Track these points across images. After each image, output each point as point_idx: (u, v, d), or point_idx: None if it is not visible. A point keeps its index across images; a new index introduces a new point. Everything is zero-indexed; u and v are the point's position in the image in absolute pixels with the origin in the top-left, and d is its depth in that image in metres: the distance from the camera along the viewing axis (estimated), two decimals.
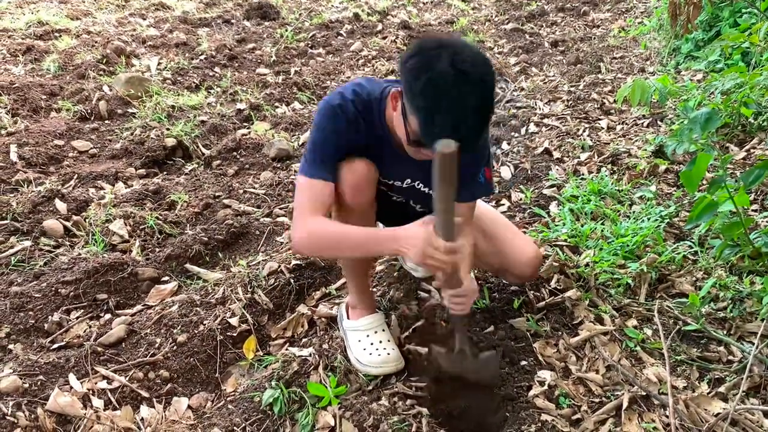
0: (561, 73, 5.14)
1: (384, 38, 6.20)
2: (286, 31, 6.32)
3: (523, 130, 4.04)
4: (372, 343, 2.13)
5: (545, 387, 1.99)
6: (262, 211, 3.16)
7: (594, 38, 6.19)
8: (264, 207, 3.20)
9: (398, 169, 1.95)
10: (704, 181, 2.99)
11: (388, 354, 2.10)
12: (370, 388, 2.02)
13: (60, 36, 5.89)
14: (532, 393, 1.97)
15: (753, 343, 2.11)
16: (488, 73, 1.57)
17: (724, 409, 1.86)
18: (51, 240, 2.86)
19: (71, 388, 2.03)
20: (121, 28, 6.42)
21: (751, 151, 3.34)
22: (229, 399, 2.05)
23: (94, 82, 4.82)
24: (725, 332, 2.19)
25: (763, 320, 2.18)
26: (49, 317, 2.36)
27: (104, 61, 5.22)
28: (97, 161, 3.76)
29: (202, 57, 5.55)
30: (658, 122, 3.94)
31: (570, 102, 4.44)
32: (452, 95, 1.51)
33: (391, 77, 1.65)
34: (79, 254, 2.72)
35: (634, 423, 1.84)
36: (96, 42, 5.74)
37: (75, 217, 3.01)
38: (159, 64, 5.34)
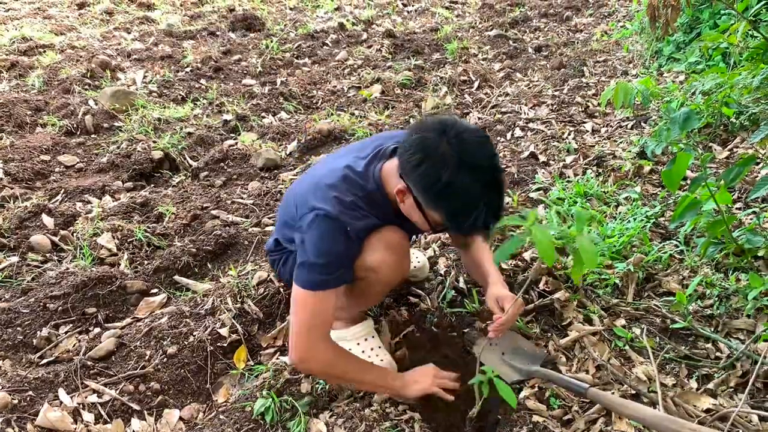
0: (545, 78, 5.18)
1: (369, 47, 6.22)
2: (272, 42, 6.33)
3: (508, 135, 4.06)
4: (363, 351, 2.14)
5: (536, 388, 2.00)
6: (251, 221, 3.16)
7: (577, 43, 6.24)
8: (252, 217, 3.20)
9: (409, 225, 1.93)
10: (687, 180, 3.03)
11: (381, 360, 2.12)
12: (362, 394, 2.03)
13: (44, 51, 5.87)
14: (523, 395, 1.99)
15: (740, 340, 2.13)
16: (494, 154, 1.63)
17: (713, 404, 1.88)
18: (38, 255, 2.85)
19: (61, 402, 2.02)
20: (105, 42, 6.40)
21: (734, 150, 3.38)
22: (220, 409, 2.04)
23: (80, 96, 4.80)
24: (712, 329, 2.22)
25: (749, 316, 2.20)
26: (38, 332, 2.35)
27: (89, 76, 5.20)
28: (83, 175, 3.75)
29: (187, 69, 5.55)
30: (642, 124, 3.98)
31: (554, 106, 4.47)
32: (470, 193, 1.57)
33: (355, 145, 1.66)
34: (67, 268, 2.71)
35: (624, 422, 1.85)
36: (81, 56, 5.72)
37: (62, 232, 3.00)
38: (144, 77, 5.33)
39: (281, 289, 2.49)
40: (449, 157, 1.56)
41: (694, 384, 1.99)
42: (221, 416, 2.00)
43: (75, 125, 4.33)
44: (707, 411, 1.85)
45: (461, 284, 2.51)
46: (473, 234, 1.76)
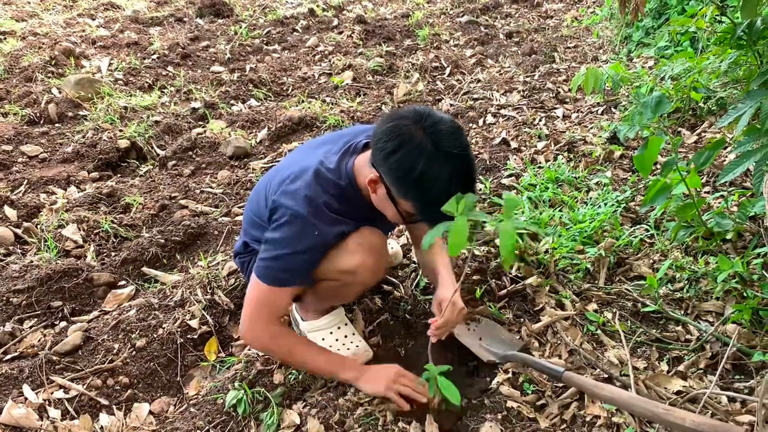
0: (516, 64, 5.18)
1: (340, 33, 6.16)
2: (240, 28, 6.24)
3: (480, 122, 4.06)
4: (337, 339, 2.12)
5: (509, 374, 2.01)
6: (220, 211, 3.11)
7: (548, 29, 6.25)
8: (222, 206, 3.15)
9: (384, 223, 1.91)
10: (658, 165, 3.05)
11: (357, 346, 2.10)
12: (335, 384, 2.01)
13: (5, 38, 5.70)
14: (496, 380, 1.99)
15: (709, 322, 2.16)
16: (467, 144, 1.61)
17: (684, 386, 1.90)
18: (1, 248, 2.76)
19: (26, 399, 1.97)
20: (69, 28, 6.24)
21: (702, 134, 3.42)
22: (191, 402, 2.01)
23: (43, 84, 4.68)
24: (682, 312, 2.24)
25: (718, 299, 2.23)
26: (1, 327, 2.28)
27: (53, 63, 5.07)
28: (47, 166, 3.65)
29: (154, 56, 5.44)
30: (612, 109, 4.00)
31: (526, 92, 4.48)
32: (444, 182, 1.54)
33: (325, 137, 1.63)
34: (31, 261, 2.64)
35: (597, 405, 1.86)
36: (43, 44, 5.57)
37: (26, 224, 2.92)
38: (110, 64, 5.21)
39: None
40: (425, 146, 1.54)
41: (665, 366, 2.01)
42: (192, 409, 1.97)
43: (38, 114, 4.22)
44: (678, 393, 1.87)
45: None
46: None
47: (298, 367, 1.97)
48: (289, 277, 1.77)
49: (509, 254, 1.04)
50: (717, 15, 3.05)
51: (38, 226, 2.90)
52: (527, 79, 4.75)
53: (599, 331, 2.17)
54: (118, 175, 3.60)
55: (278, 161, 3.59)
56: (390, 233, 2.59)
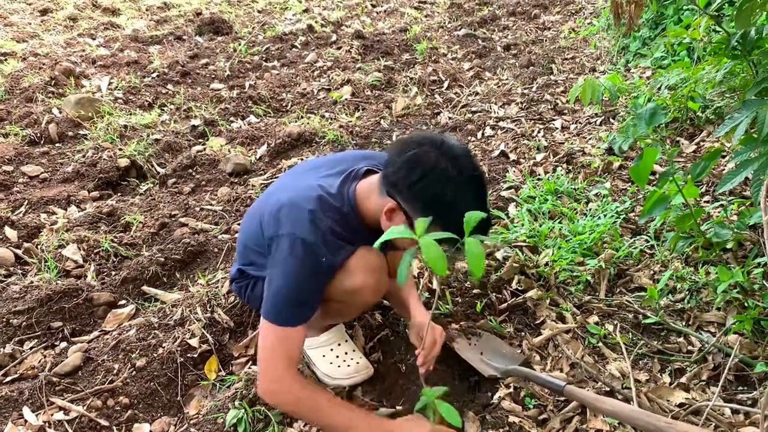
0: (514, 76, 5.20)
1: (339, 48, 6.19)
2: (240, 45, 6.28)
3: (479, 134, 4.07)
4: (338, 356, 2.12)
5: (511, 389, 1.99)
6: (220, 228, 3.11)
7: (545, 40, 6.28)
8: (222, 223, 3.15)
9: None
10: (657, 176, 3.05)
11: (357, 363, 2.09)
12: None
13: (5, 59, 5.74)
14: (498, 395, 1.98)
15: (711, 333, 2.15)
16: (479, 165, 1.68)
17: (686, 398, 1.89)
18: (1, 269, 2.76)
19: (26, 421, 1.96)
20: (69, 48, 6.28)
21: (701, 144, 3.42)
22: (192, 422, 2.00)
23: (43, 105, 4.70)
24: (684, 323, 2.23)
25: (719, 309, 2.22)
26: (1, 349, 2.28)
27: (53, 83, 5.10)
28: (48, 185, 3.66)
29: (154, 75, 5.46)
30: (611, 120, 4.01)
31: (524, 104, 4.49)
32: (470, 204, 1.52)
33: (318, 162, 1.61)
34: (32, 282, 2.63)
35: (599, 419, 1.85)
36: (44, 64, 5.60)
37: (26, 244, 2.92)
38: (110, 83, 5.24)
39: None
40: (450, 172, 1.57)
41: (667, 378, 2.00)
42: (193, 429, 1.96)
43: (38, 134, 4.23)
44: (680, 405, 1.86)
45: (434, 285, 2.49)
46: None
47: (317, 424, 1.82)
48: (303, 311, 1.71)
49: (477, 271, 1.07)
50: (712, 25, 3.06)
51: (38, 247, 2.91)
52: (525, 91, 4.77)
53: (600, 344, 2.16)
54: (119, 194, 3.61)
55: (277, 177, 3.60)
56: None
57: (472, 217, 1.21)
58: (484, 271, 1.28)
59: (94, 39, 6.73)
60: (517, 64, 5.56)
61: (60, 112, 4.54)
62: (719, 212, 2.71)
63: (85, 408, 2.03)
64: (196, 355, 2.23)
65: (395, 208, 1.65)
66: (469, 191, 1.60)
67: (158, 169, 3.84)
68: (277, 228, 1.71)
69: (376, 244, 1.22)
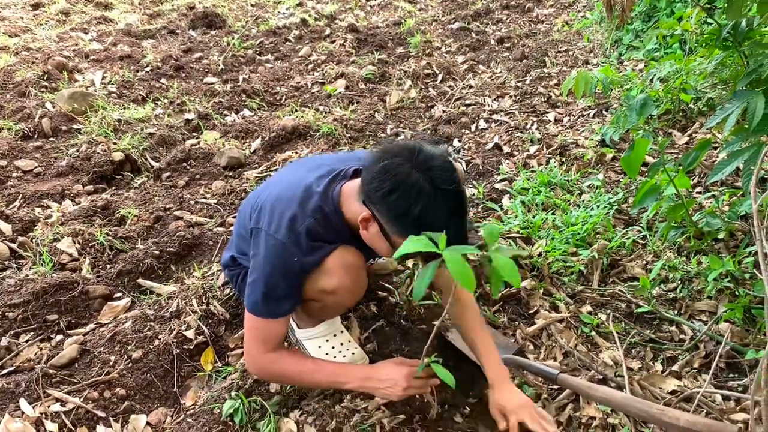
0: (508, 69, 5.21)
1: (332, 42, 6.19)
2: (233, 39, 6.26)
3: (473, 127, 4.08)
4: (334, 347, 2.13)
5: None
6: (215, 221, 3.11)
7: (539, 33, 6.28)
8: (216, 217, 3.16)
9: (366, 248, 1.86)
10: (649, 167, 3.07)
11: (353, 354, 2.11)
12: (332, 391, 2.01)
13: None
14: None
15: (702, 321, 2.17)
16: (458, 179, 1.60)
17: (678, 386, 1.91)
18: None
19: (23, 413, 1.97)
20: (62, 43, 6.25)
21: (693, 135, 3.44)
22: (188, 413, 2.01)
23: (36, 99, 4.68)
24: (676, 312, 2.25)
25: (710, 298, 2.24)
26: None
27: (46, 78, 5.07)
28: (42, 180, 3.66)
29: (147, 69, 5.45)
30: (604, 112, 4.03)
31: (517, 97, 4.50)
32: (443, 220, 1.53)
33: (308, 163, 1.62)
34: (27, 275, 2.63)
35: (592, 407, 1.88)
36: (36, 58, 5.58)
37: (21, 238, 2.92)
38: (103, 78, 5.22)
39: None
40: (422, 186, 1.53)
41: (659, 366, 2.03)
42: (189, 419, 1.97)
43: (32, 129, 4.22)
44: (672, 392, 1.88)
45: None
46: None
47: (308, 386, 1.94)
48: (277, 308, 1.76)
49: (515, 282, 1.08)
50: (704, 17, 3.08)
51: (33, 240, 2.91)
52: (519, 84, 4.78)
53: (593, 333, 2.18)
54: (113, 188, 3.61)
55: (273, 171, 3.60)
56: (375, 260, 2.56)
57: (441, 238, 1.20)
58: (475, 284, 1.26)
59: (86, 33, 6.70)
60: (510, 57, 5.56)
61: (53, 107, 4.52)
62: (710, 202, 2.73)
63: (81, 399, 2.04)
64: (192, 347, 2.24)
65: (369, 218, 1.64)
66: (443, 206, 1.54)
67: (152, 162, 3.84)
68: (258, 221, 1.77)
69: (396, 254, 1.22)
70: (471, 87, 4.89)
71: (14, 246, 2.87)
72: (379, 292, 2.47)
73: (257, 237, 1.76)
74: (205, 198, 3.37)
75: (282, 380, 1.94)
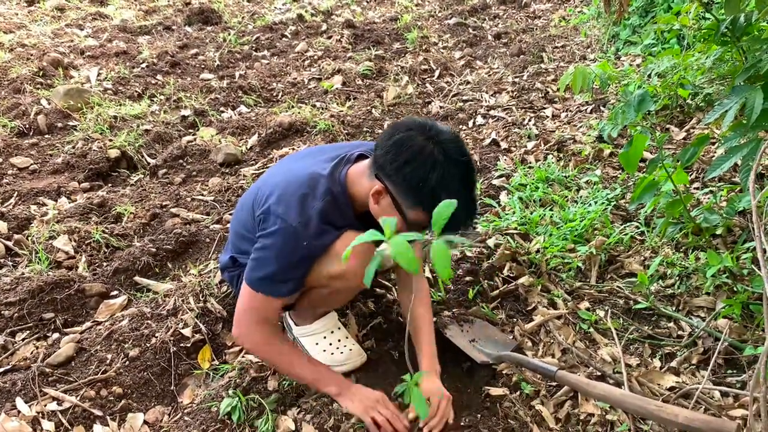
0: (505, 65, 5.19)
1: (329, 38, 6.17)
2: (229, 35, 6.24)
3: (470, 123, 4.07)
4: (331, 343, 2.12)
5: (503, 375, 2.01)
6: (212, 218, 3.10)
7: (536, 29, 6.27)
8: (213, 214, 3.15)
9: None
10: (647, 163, 3.07)
11: (350, 350, 2.10)
12: None
13: None
14: (492, 381, 1.99)
15: (701, 317, 2.17)
16: (468, 152, 1.68)
17: (677, 382, 1.91)
18: None
19: (19, 412, 1.96)
20: (57, 39, 6.22)
21: (691, 131, 3.44)
22: (186, 411, 2.00)
23: (31, 96, 4.66)
24: (674, 308, 2.25)
25: (708, 294, 2.24)
26: None
27: (41, 74, 5.05)
28: (38, 177, 3.64)
29: (143, 65, 5.43)
30: (601, 108, 4.02)
31: (515, 93, 4.49)
32: (455, 190, 1.59)
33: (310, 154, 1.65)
34: (23, 274, 2.62)
35: (591, 403, 1.87)
36: (32, 55, 5.55)
37: (17, 236, 2.91)
38: (99, 74, 5.20)
39: None
40: (436, 156, 1.59)
41: (657, 363, 2.02)
42: (187, 418, 1.96)
43: (27, 126, 4.20)
44: (671, 389, 1.88)
45: (427, 273, 2.50)
46: (454, 232, 1.72)
47: (283, 371, 1.94)
48: (278, 288, 1.79)
49: (445, 274, 1.08)
50: (701, 12, 3.07)
51: (29, 238, 2.89)
52: (516, 80, 4.77)
53: (592, 330, 2.18)
54: (109, 185, 3.59)
55: (269, 167, 3.59)
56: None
57: (447, 208, 1.20)
58: (451, 274, 1.28)
59: (82, 29, 6.67)
60: (507, 52, 5.55)
61: (49, 103, 4.50)
62: (709, 198, 2.73)
63: (78, 398, 2.03)
64: (189, 345, 2.23)
65: (382, 190, 1.68)
66: (456, 176, 1.61)
67: (149, 159, 3.83)
68: (267, 208, 1.77)
69: (363, 237, 1.21)
70: (468, 83, 4.88)
71: (10, 244, 2.85)
72: (377, 289, 2.46)
73: (267, 221, 1.76)
74: (202, 195, 3.35)
75: (269, 360, 1.94)
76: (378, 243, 1.57)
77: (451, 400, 1.85)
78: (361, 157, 1.87)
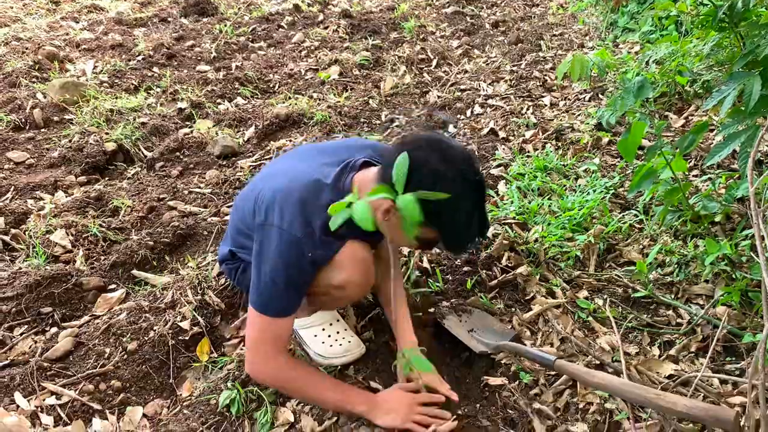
0: (503, 54, 5.17)
1: (326, 28, 6.13)
2: (226, 26, 6.20)
3: (468, 112, 4.05)
4: (330, 335, 2.12)
5: (502, 365, 2.01)
6: (209, 211, 3.09)
7: (534, 17, 6.24)
8: (211, 206, 3.14)
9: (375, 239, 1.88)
10: (646, 150, 3.06)
11: (349, 342, 2.10)
12: None
13: None
14: (490, 371, 1.99)
15: (699, 305, 2.17)
16: (480, 168, 1.66)
17: (675, 370, 1.91)
18: None
19: (18, 407, 1.96)
20: (53, 32, 6.19)
21: (690, 118, 3.42)
22: (185, 404, 2.00)
23: (27, 89, 4.64)
24: (673, 296, 2.24)
25: (707, 282, 2.24)
26: None
27: (37, 68, 5.03)
28: (34, 171, 3.63)
29: (139, 58, 5.40)
30: (600, 96, 4.00)
31: (513, 81, 4.47)
32: (469, 210, 1.59)
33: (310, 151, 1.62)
34: (20, 268, 2.61)
35: (590, 392, 1.87)
36: (27, 48, 5.52)
37: (13, 231, 2.90)
38: (95, 67, 5.17)
39: None
40: (451, 176, 1.55)
41: (656, 351, 2.02)
42: (186, 410, 1.96)
43: (23, 120, 4.18)
44: (670, 377, 1.88)
45: (425, 264, 2.50)
46: (465, 250, 1.73)
47: (307, 399, 1.90)
48: (288, 304, 1.74)
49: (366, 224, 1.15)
50: None
51: (26, 233, 2.88)
52: (514, 69, 4.75)
53: (590, 318, 2.18)
54: (106, 179, 3.58)
55: (267, 159, 3.58)
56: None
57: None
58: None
59: (77, 22, 6.64)
60: (505, 41, 5.53)
61: (44, 97, 4.49)
62: (707, 185, 2.72)
63: (77, 392, 2.03)
64: (187, 338, 2.23)
65: (391, 208, 1.61)
66: (468, 197, 1.58)
67: (145, 152, 3.81)
68: (267, 217, 1.71)
69: (332, 223, 1.21)
70: (466, 72, 4.86)
71: (7, 238, 2.85)
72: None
73: (267, 232, 1.70)
74: (199, 187, 3.34)
75: (288, 388, 1.86)
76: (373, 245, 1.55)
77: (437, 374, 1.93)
78: (366, 164, 1.82)
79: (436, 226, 1.60)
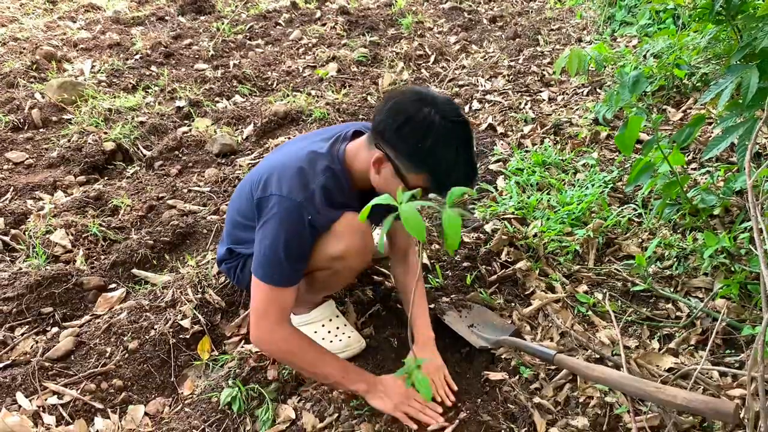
0: (501, 49, 5.16)
1: (323, 25, 6.13)
2: (223, 24, 6.19)
3: (466, 108, 4.05)
4: (330, 331, 2.13)
5: (502, 359, 2.01)
6: (209, 209, 3.09)
7: (531, 12, 6.23)
8: (210, 204, 3.14)
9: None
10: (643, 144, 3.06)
11: (349, 337, 2.11)
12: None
13: None
14: (491, 366, 2.00)
15: (699, 298, 2.17)
16: (463, 113, 1.69)
17: (675, 363, 1.91)
18: None
19: (20, 407, 1.96)
20: (50, 32, 6.18)
21: (688, 111, 3.42)
22: (186, 402, 2.01)
23: (25, 90, 4.64)
24: (672, 289, 2.25)
25: (706, 275, 2.24)
26: None
27: (34, 68, 5.02)
28: (33, 171, 3.63)
29: (137, 56, 5.39)
30: (598, 90, 4.00)
31: (511, 77, 4.47)
32: (454, 150, 1.61)
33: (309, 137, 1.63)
34: (20, 269, 2.62)
35: (590, 386, 1.87)
36: (24, 48, 5.51)
37: (13, 231, 2.90)
38: (93, 66, 5.16)
39: None
40: (432, 120, 1.59)
41: (656, 344, 2.02)
42: (187, 409, 1.97)
43: (22, 120, 4.18)
44: (669, 370, 1.88)
45: (425, 260, 2.50)
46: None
47: (308, 372, 1.90)
48: (292, 272, 1.76)
49: (454, 244, 1.08)
50: None
51: (26, 233, 2.88)
52: (512, 64, 4.75)
53: (590, 313, 2.18)
54: (105, 178, 3.58)
55: (265, 156, 3.57)
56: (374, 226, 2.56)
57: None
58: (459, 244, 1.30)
59: (74, 22, 6.62)
60: (503, 36, 5.52)
61: (43, 97, 4.48)
62: (705, 179, 2.72)
63: (78, 392, 2.03)
64: (188, 336, 2.23)
65: (382, 158, 1.68)
66: (453, 136, 1.61)
67: (144, 151, 3.81)
68: (266, 190, 1.76)
69: (378, 199, 1.19)
70: (464, 67, 4.86)
71: (7, 239, 2.85)
72: (375, 277, 2.46)
73: (267, 203, 1.74)
74: (198, 186, 3.35)
75: (291, 360, 1.86)
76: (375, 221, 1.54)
77: (444, 368, 1.95)
78: (357, 134, 1.88)
79: (424, 168, 1.62)
